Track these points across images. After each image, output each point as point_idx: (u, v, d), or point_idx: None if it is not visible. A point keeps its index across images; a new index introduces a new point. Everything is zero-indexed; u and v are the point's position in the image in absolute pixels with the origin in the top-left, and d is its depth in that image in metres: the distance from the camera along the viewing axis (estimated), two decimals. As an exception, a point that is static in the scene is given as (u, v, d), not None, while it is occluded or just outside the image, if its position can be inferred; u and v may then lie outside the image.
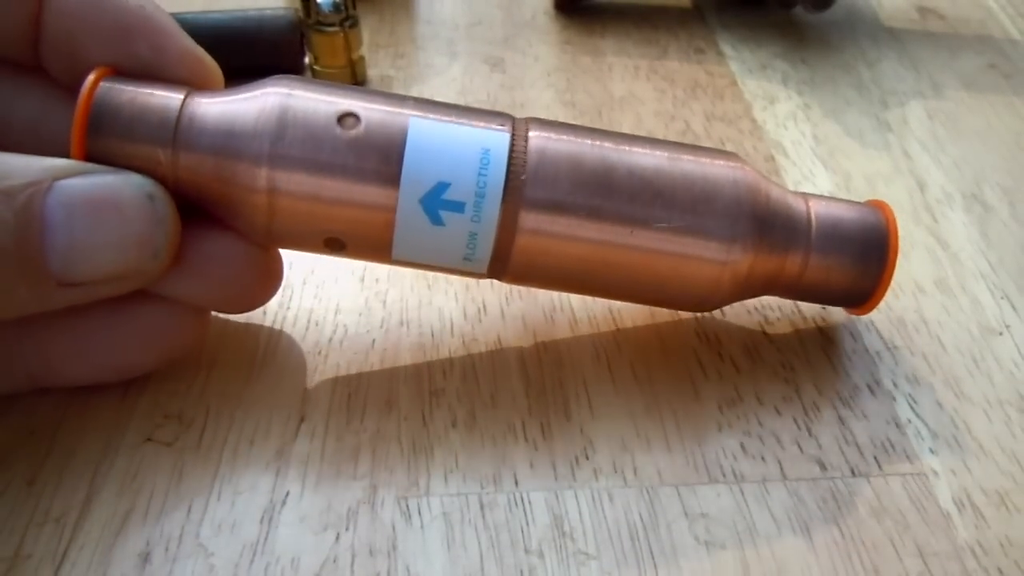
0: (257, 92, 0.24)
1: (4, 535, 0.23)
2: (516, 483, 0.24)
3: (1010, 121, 0.38)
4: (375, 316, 0.29)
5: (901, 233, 0.32)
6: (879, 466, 0.25)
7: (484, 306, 0.29)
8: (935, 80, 0.40)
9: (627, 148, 0.25)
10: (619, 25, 0.43)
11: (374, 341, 0.28)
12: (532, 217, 0.24)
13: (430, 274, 0.30)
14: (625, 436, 0.25)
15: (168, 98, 0.23)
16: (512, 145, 0.24)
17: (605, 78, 0.40)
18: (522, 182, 0.24)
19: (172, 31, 0.25)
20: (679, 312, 0.29)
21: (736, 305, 0.29)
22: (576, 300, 0.29)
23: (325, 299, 0.29)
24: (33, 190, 0.21)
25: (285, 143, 0.23)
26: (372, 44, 0.42)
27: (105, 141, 0.23)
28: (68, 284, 0.22)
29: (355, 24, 0.38)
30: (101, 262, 0.22)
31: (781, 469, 0.25)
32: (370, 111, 0.23)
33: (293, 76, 0.24)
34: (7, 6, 0.24)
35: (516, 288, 0.30)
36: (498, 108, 0.38)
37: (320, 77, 0.38)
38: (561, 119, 0.37)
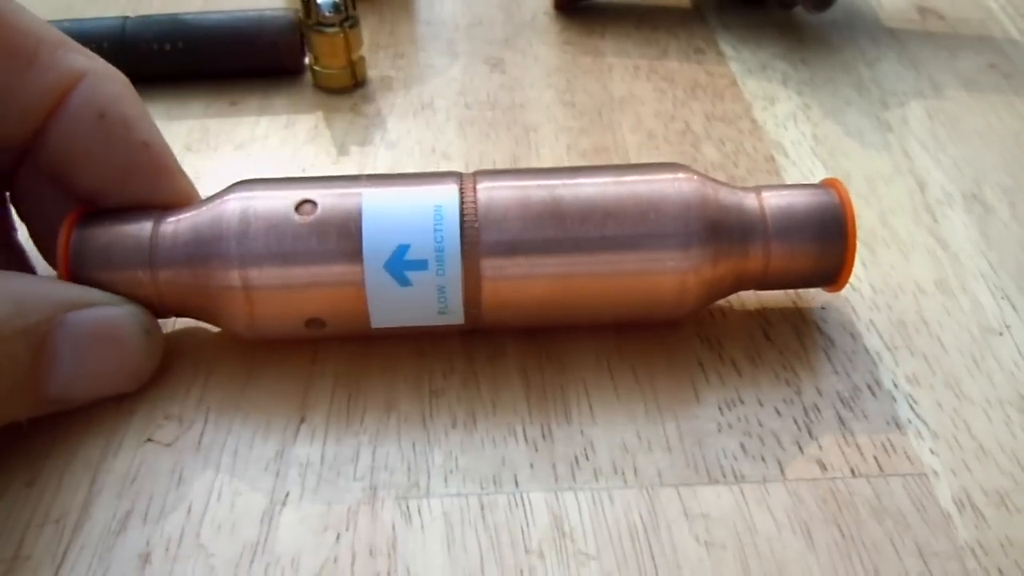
0: (217, 200, 0.25)
1: (4, 536, 0.23)
2: (516, 484, 0.24)
3: (1010, 121, 0.38)
4: (375, 317, 0.29)
5: (901, 233, 0.32)
6: (879, 466, 0.25)
7: (484, 307, 0.29)
8: (935, 80, 0.40)
9: (571, 180, 0.26)
10: (619, 25, 0.43)
11: (374, 342, 0.28)
12: (493, 261, 0.25)
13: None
14: (625, 437, 0.25)
15: (140, 227, 0.25)
16: (462, 196, 0.25)
17: (605, 78, 0.40)
18: (477, 230, 0.25)
19: (170, 172, 0.26)
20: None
21: (736, 307, 0.29)
22: (576, 301, 0.29)
23: (325, 300, 0.29)
24: (47, 328, 0.22)
25: (249, 240, 0.24)
26: (372, 44, 0.42)
27: (89, 274, 0.25)
28: (59, 402, 0.24)
29: (355, 24, 0.38)
30: (95, 387, 0.24)
31: (781, 470, 0.25)
32: (324, 195, 0.25)
33: (252, 179, 0.26)
34: (8, 115, 0.25)
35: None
36: (498, 109, 0.38)
37: (320, 77, 0.38)
38: (561, 119, 0.37)
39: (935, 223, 0.33)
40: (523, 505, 0.24)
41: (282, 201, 0.25)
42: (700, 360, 0.27)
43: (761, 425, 0.26)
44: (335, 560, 0.22)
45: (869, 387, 0.27)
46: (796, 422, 0.26)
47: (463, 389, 0.26)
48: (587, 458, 0.25)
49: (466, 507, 0.23)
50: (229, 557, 0.22)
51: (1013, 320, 0.29)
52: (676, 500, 0.24)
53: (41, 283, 0.24)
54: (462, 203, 0.25)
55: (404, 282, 0.24)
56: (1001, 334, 0.28)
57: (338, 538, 0.23)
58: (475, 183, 0.26)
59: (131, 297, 0.25)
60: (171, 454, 0.25)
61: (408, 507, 0.23)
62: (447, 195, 0.25)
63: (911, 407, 0.26)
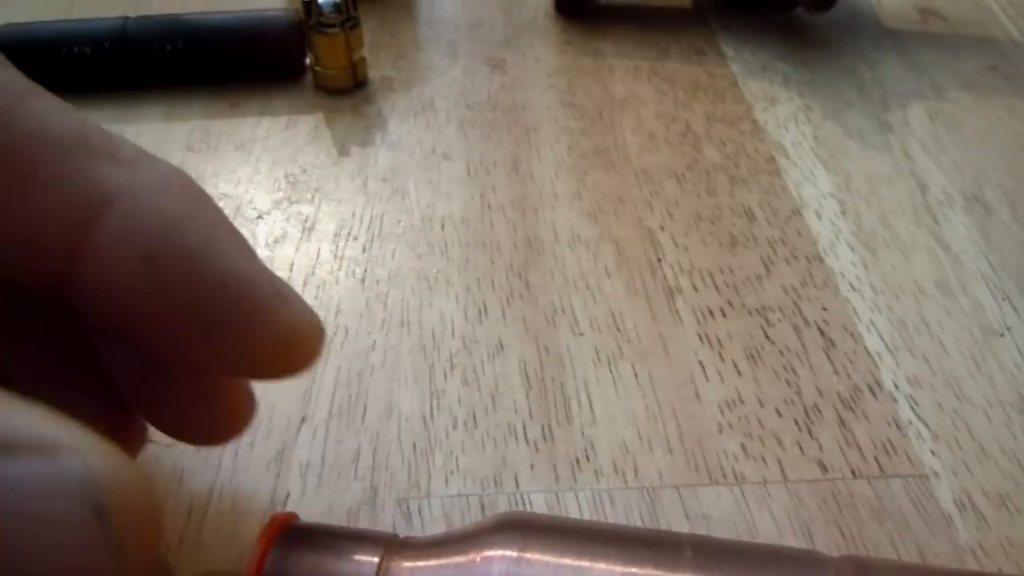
0: (474, 552, 0.18)
1: (5, 536, 0.22)
2: (517, 484, 0.24)
3: (1011, 122, 0.38)
4: (376, 317, 0.29)
5: (902, 234, 0.32)
6: (880, 467, 0.25)
7: (485, 307, 0.29)
8: (936, 81, 0.40)
9: None
10: (620, 26, 0.43)
11: (375, 342, 0.28)
12: None
13: (431, 274, 0.30)
14: (626, 438, 0.25)
15: (361, 563, 0.18)
16: None
17: (606, 79, 0.40)
18: None
19: (264, 309, 0.17)
20: (680, 313, 0.29)
21: (737, 306, 0.29)
22: (577, 301, 0.29)
23: (326, 300, 0.29)
24: None
25: None
26: (373, 45, 0.42)
27: None
28: None
29: (356, 25, 0.38)
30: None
31: (782, 470, 0.25)
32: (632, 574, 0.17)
33: (520, 519, 0.19)
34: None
35: (517, 289, 0.30)
36: (499, 110, 0.38)
37: (321, 78, 0.38)
38: (562, 120, 0.37)
39: (936, 224, 0.33)
40: (524, 506, 0.24)
41: (566, 570, 0.17)
42: (700, 360, 0.27)
43: (762, 426, 0.26)
44: (336, 560, 0.22)
45: (870, 388, 0.27)
46: (797, 423, 0.26)
47: (464, 388, 0.26)
48: (588, 459, 0.25)
49: (467, 508, 0.23)
50: (229, 557, 0.22)
51: (1014, 321, 0.29)
52: (677, 501, 0.24)
53: None
54: None
55: None
56: (1002, 335, 0.28)
57: (339, 538, 0.23)
58: None
59: None
60: (171, 454, 0.25)
61: (409, 508, 0.23)
62: None
63: (912, 408, 0.26)
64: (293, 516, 0.19)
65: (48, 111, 0.16)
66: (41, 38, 0.38)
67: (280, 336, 0.17)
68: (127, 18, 0.38)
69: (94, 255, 0.16)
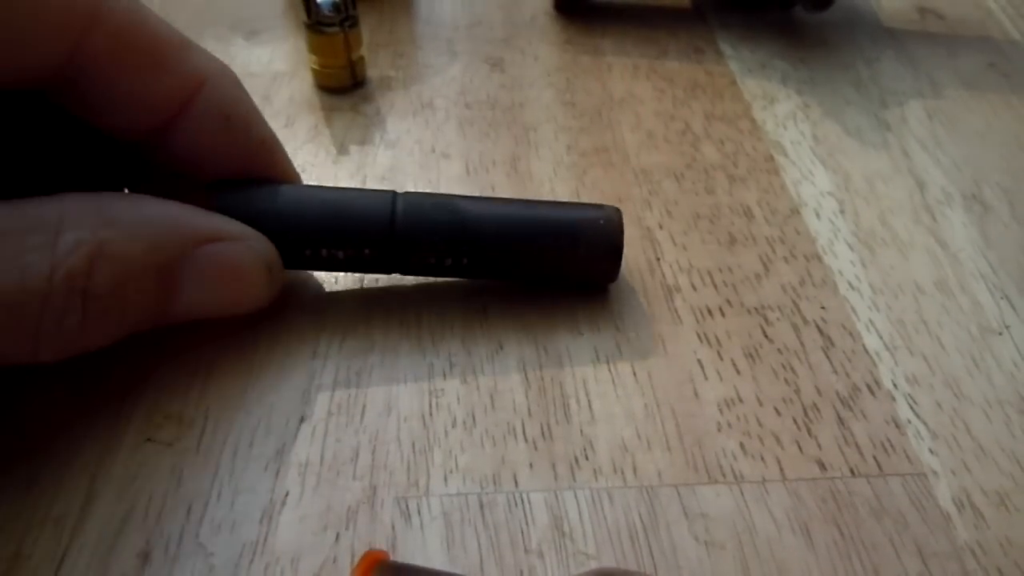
0: None
1: (4, 536, 0.23)
2: (516, 483, 0.24)
3: (1009, 121, 0.38)
4: (375, 316, 0.29)
5: (901, 233, 0.32)
6: (879, 466, 0.25)
7: (484, 307, 0.29)
8: (934, 80, 0.40)
9: None
10: (619, 25, 0.43)
11: (374, 342, 0.28)
12: None
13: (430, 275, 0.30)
14: (625, 436, 0.25)
15: None
16: None
17: (605, 78, 0.40)
18: None
19: (282, 163, 0.28)
20: (678, 312, 0.29)
21: (736, 305, 0.29)
22: (577, 301, 0.29)
23: (325, 299, 0.29)
24: (176, 262, 0.24)
25: None
26: (372, 44, 0.42)
27: None
28: (180, 318, 0.25)
29: (355, 24, 0.38)
30: (215, 310, 0.26)
31: (781, 469, 0.25)
32: None
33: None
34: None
35: (516, 289, 0.30)
36: (498, 108, 0.38)
37: (320, 77, 0.38)
38: (561, 119, 0.37)
39: (934, 223, 0.33)
40: (523, 505, 0.24)
41: None
42: (699, 359, 0.27)
43: (760, 424, 0.26)
44: (335, 560, 0.22)
45: (868, 387, 0.27)
46: (796, 421, 0.26)
47: (463, 387, 0.26)
48: (587, 457, 0.25)
49: (466, 507, 0.23)
50: (229, 557, 0.22)
51: (1012, 320, 0.29)
52: (676, 500, 0.24)
53: (176, 215, 0.24)
54: None
55: None
56: (1000, 334, 0.28)
57: (338, 538, 0.23)
58: None
59: None
60: (171, 454, 0.25)
61: (408, 507, 0.23)
62: None
63: (911, 407, 0.26)
64: (384, 554, 0.20)
65: (162, 20, 0.24)
66: (285, 228, 0.26)
67: (285, 178, 0.28)
68: (395, 195, 0.27)
69: (195, 115, 0.25)
